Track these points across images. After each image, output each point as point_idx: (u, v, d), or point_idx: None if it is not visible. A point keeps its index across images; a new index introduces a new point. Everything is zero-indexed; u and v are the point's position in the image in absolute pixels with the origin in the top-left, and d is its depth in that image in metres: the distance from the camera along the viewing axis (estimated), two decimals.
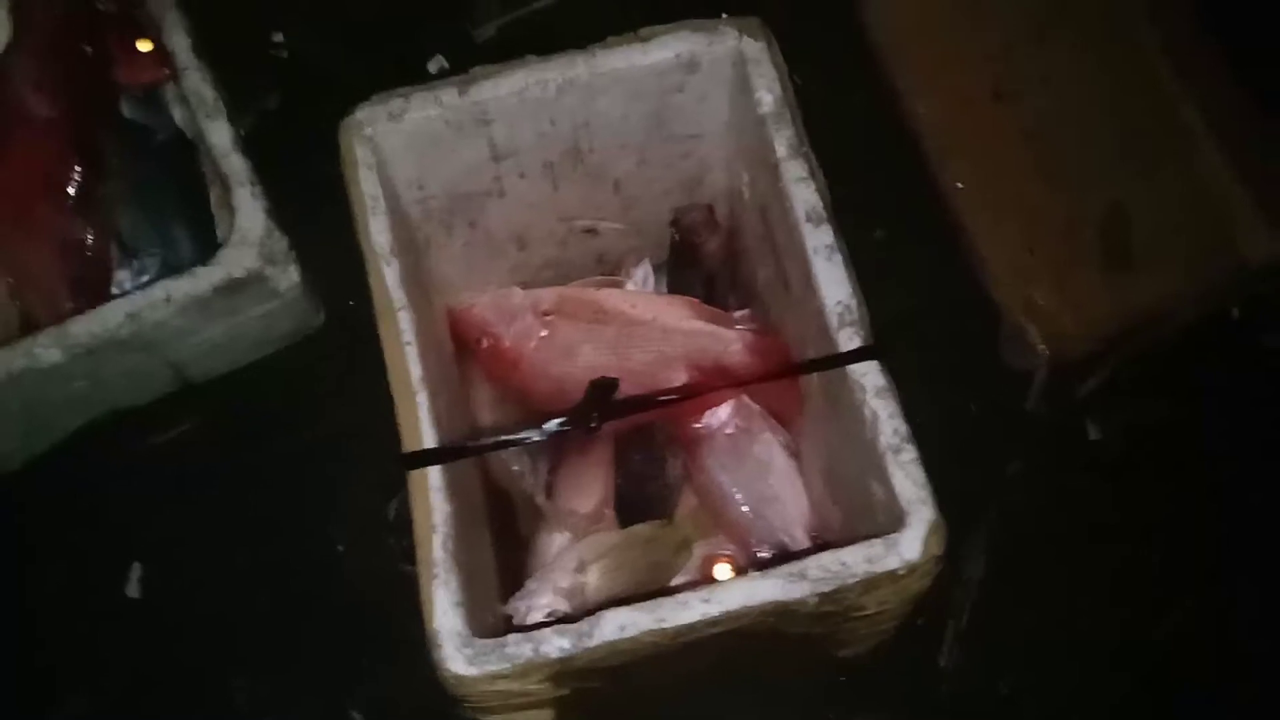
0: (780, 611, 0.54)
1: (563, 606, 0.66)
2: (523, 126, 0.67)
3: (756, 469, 0.73)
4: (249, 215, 0.71)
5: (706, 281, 0.79)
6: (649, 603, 0.53)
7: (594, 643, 0.52)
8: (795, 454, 0.73)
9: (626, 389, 0.69)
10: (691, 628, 0.52)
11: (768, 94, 0.64)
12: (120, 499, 0.77)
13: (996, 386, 0.82)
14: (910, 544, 0.54)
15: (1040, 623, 0.77)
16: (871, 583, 0.54)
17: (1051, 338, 0.81)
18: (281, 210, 0.77)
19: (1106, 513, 0.80)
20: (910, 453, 0.56)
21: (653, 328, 0.74)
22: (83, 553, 0.76)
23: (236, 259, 0.70)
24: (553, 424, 0.58)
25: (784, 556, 0.70)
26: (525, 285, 0.77)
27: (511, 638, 0.52)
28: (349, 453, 0.79)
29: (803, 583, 0.53)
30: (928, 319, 0.83)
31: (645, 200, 0.76)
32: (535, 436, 0.58)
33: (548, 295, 0.76)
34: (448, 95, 0.64)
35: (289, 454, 0.79)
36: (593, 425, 0.59)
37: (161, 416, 0.79)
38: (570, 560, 0.69)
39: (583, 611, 0.61)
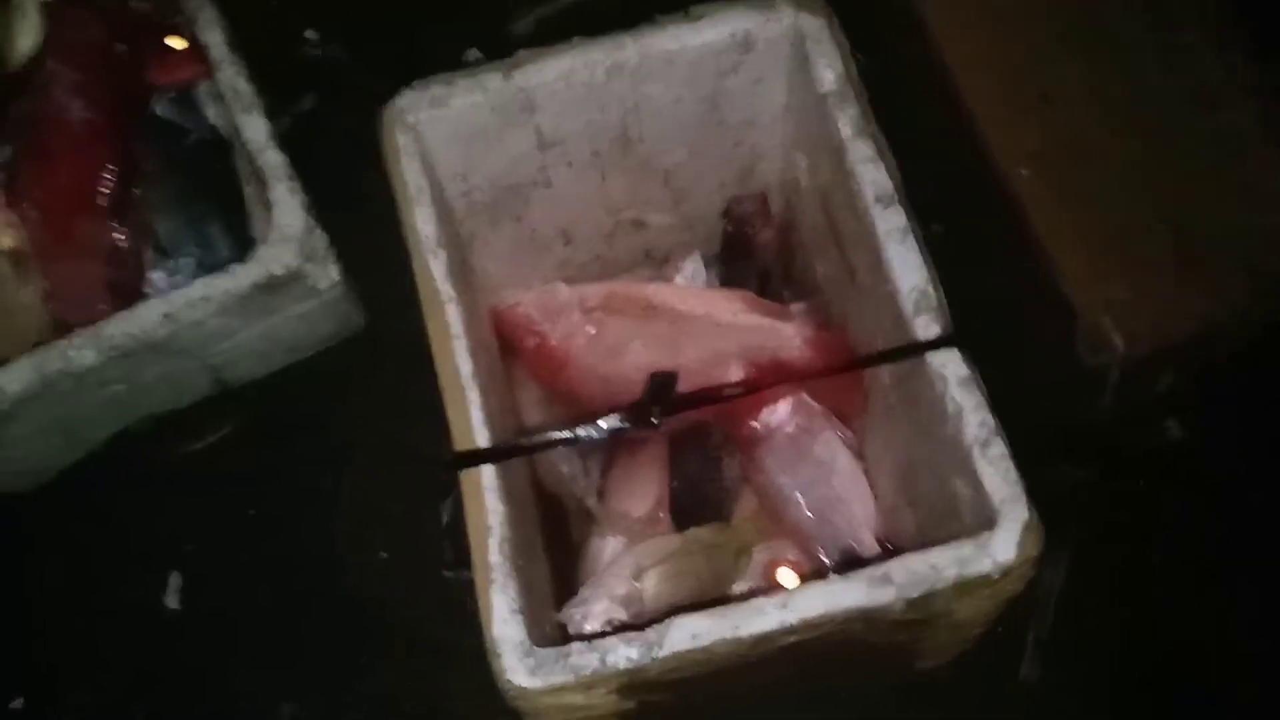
0: (864, 619, 0.50)
1: (620, 615, 0.63)
2: (570, 113, 0.64)
3: (819, 470, 0.69)
4: (288, 211, 0.68)
5: (760, 275, 0.76)
6: (722, 609, 0.49)
7: (664, 653, 0.49)
8: (859, 453, 0.70)
9: (680, 387, 0.66)
10: (768, 637, 0.49)
11: (829, 72, 0.61)
12: (159, 507, 0.74)
13: (1067, 385, 0.78)
14: (1004, 545, 0.50)
15: (1125, 631, 0.72)
16: (963, 587, 0.50)
17: (1128, 334, 0.77)
18: (319, 210, 0.74)
19: (1187, 515, 0.76)
20: (999, 447, 0.52)
21: (705, 323, 0.71)
22: (121, 561, 0.74)
23: (276, 256, 0.68)
24: (611, 420, 0.55)
25: (851, 561, 0.66)
26: (571, 281, 0.74)
27: (575, 647, 0.49)
28: (392, 457, 0.76)
29: (888, 587, 0.49)
30: (991, 316, 0.79)
31: (695, 191, 0.73)
32: (593, 433, 0.55)
33: (595, 291, 0.73)
34: (492, 80, 0.61)
35: (329, 460, 0.76)
36: (653, 421, 0.56)
37: (199, 422, 0.76)
38: (626, 566, 0.66)
39: (640, 620, 0.58)
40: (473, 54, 0.92)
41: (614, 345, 0.71)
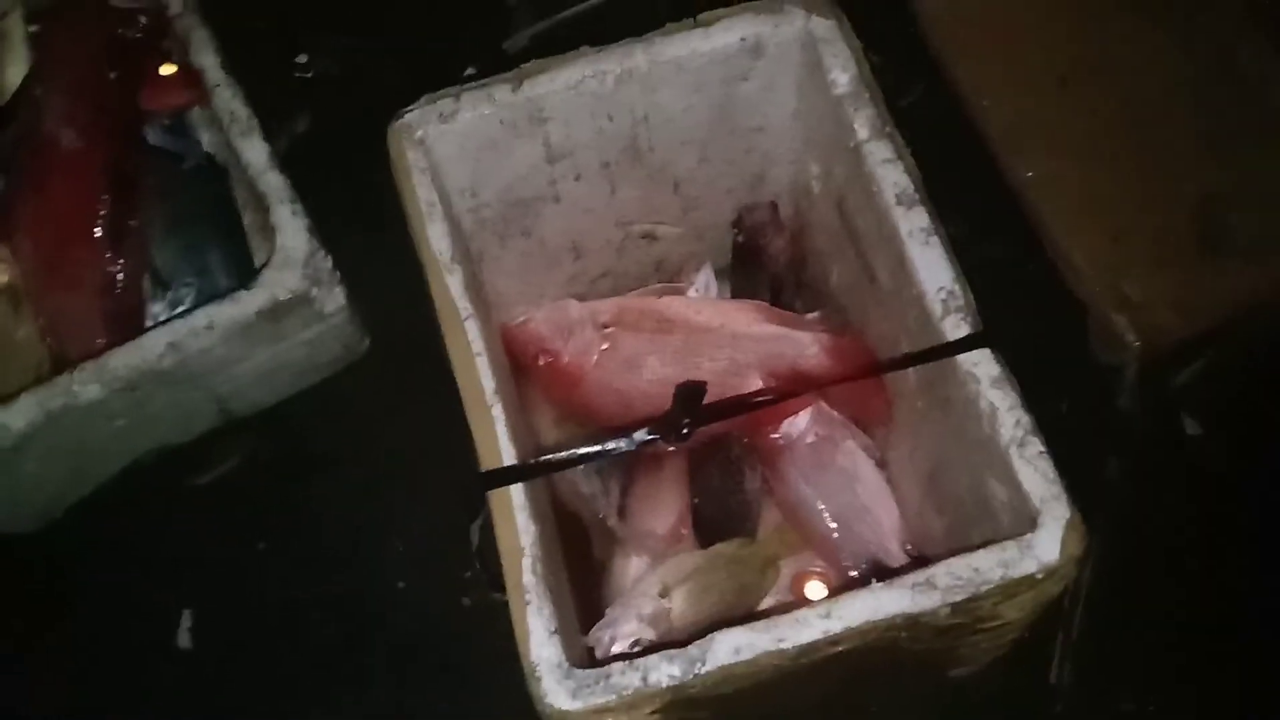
0: (908, 625, 0.49)
1: (648, 634, 0.62)
2: (579, 123, 0.63)
3: (842, 479, 0.68)
4: (292, 234, 0.67)
5: (772, 284, 0.75)
6: (763, 622, 0.48)
7: (707, 668, 0.47)
8: (881, 461, 0.69)
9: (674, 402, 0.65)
10: (813, 647, 0.47)
11: (843, 74, 0.60)
12: (169, 542, 0.73)
13: (1086, 383, 0.77)
14: (1047, 545, 0.49)
15: (1155, 635, 0.71)
16: (1007, 589, 0.49)
17: (1143, 330, 0.76)
18: (318, 233, 0.73)
19: (1212, 513, 0.75)
20: (1036, 445, 0.51)
21: (721, 334, 0.70)
22: (132, 600, 0.72)
23: (281, 280, 0.66)
24: (640, 434, 0.54)
25: (879, 571, 0.65)
26: (581, 297, 0.73)
27: (616, 666, 0.47)
28: (406, 483, 0.74)
29: (932, 592, 0.48)
30: (1009, 315, 0.78)
31: (706, 201, 0.72)
32: (623, 447, 0.53)
33: (606, 306, 0.72)
34: (501, 92, 0.61)
35: (341, 488, 0.75)
36: (683, 433, 0.54)
37: (208, 454, 0.75)
38: (651, 585, 0.65)
39: (669, 639, 0.56)
40: (470, 73, 0.91)
41: (629, 360, 0.69)
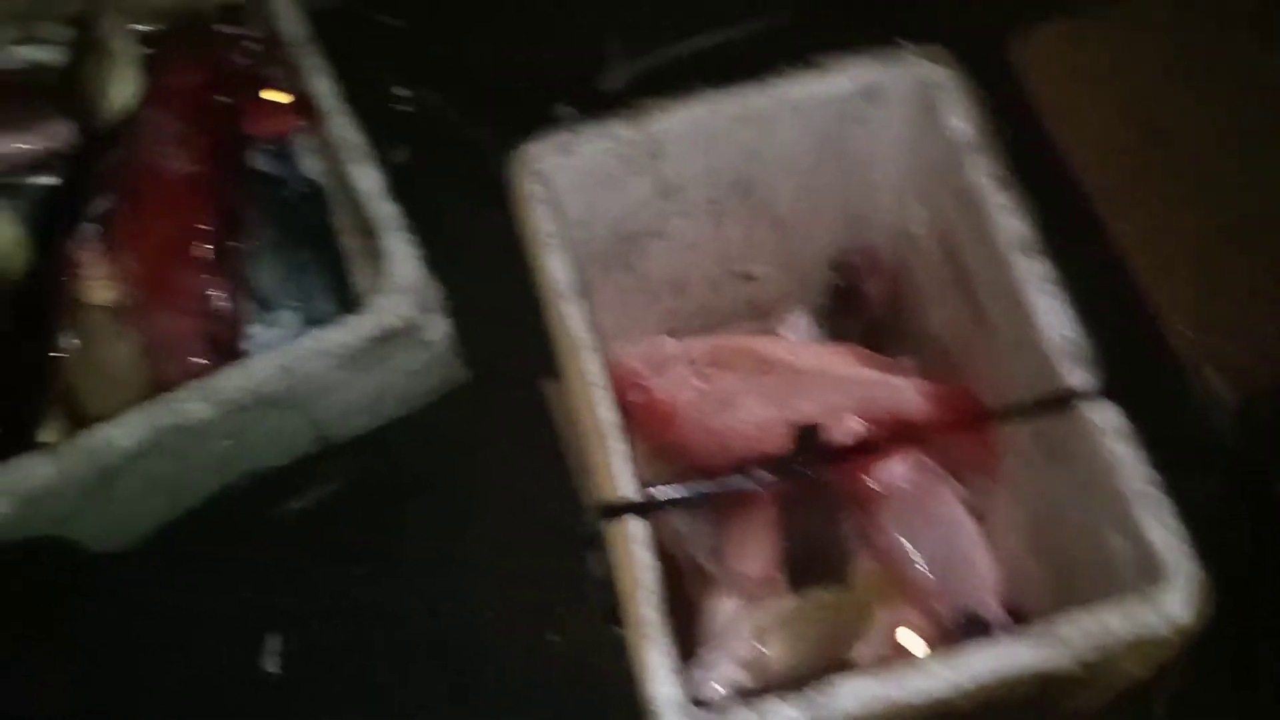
0: (1036, 681, 0.48)
1: (743, 679, 0.61)
2: (693, 161, 0.64)
3: (939, 529, 0.67)
4: (403, 262, 0.68)
5: (867, 328, 0.75)
6: (887, 671, 0.47)
7: (828, 714, 0.46)
8: (978, 509, 0.68)
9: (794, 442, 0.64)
10: (939, 700, 0.47)
11: (962, 121, 0.60)
12: (259, 566, 0.72)
13: (1185, 431, 0.76)
14: (1176, 601, 0.48)
15: (1254, 684, 0.69)
16: (1136, 646, 0.48)
17: (1239, 378, 0.75)
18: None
19: None
20: (1162, 500, 0.51)
21: (818, 377, 0.70)
22: (219, 624, 0.72)
23: (391, 307, 0.67)
24: (762, 473, 0.53)
25: (976, 625, 0.64)
26: (675, 334, 0.73)
27: (734, 707, 0.47)
28: (497, 513, 0.74)
29: (1062, 648, 0.47)
30: (1104, 361, 0.77)
31: (805, 241, 0.72)
32: (748, 485, 0.53)
33: (702, 345, 0.72)
34: (620, 128, 0.61)
35: (434, 517, 0.75)
36: (805, 474, 0.54)
37: (301, 479, 0.75)
38: (746, 628, 0.64)
39: (765, 684, 0.56)
40: (564, 110, 0.92)
41: (724, 399, 0.69)
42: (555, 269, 0.57)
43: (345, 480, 0.76)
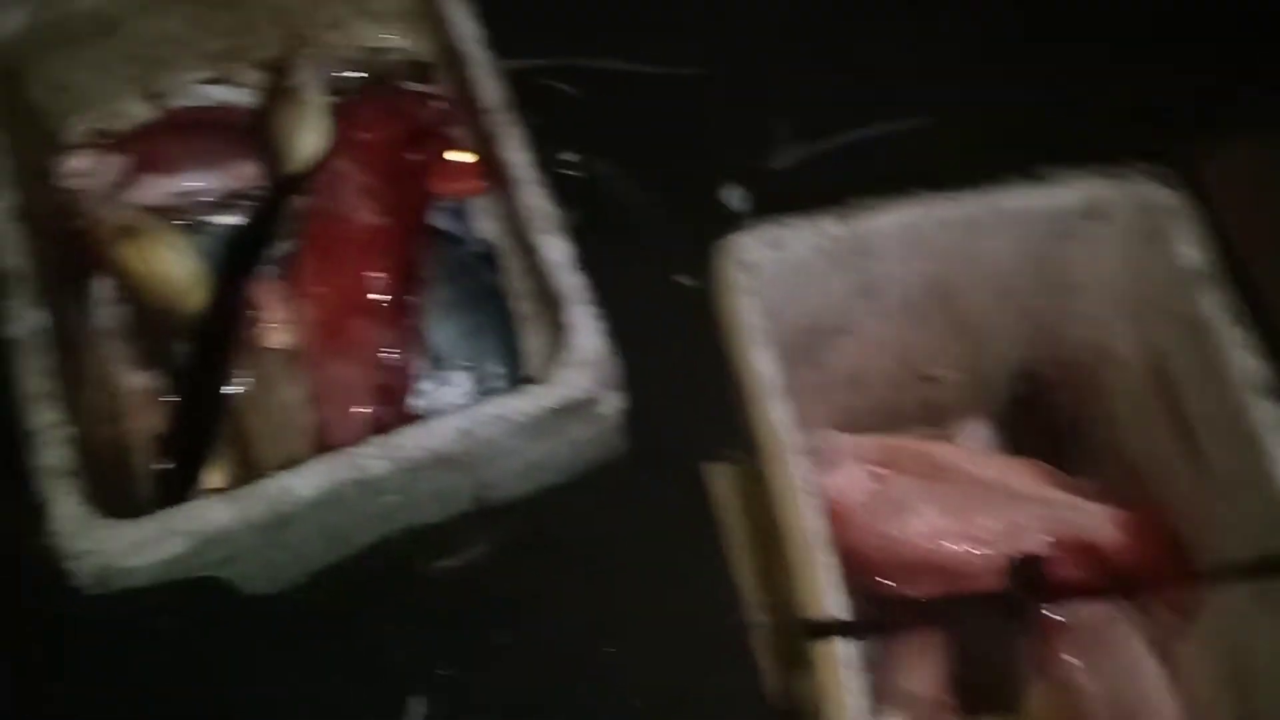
0: None
1: None
2: (898, 262, 0.62)
3: (1122, 668, 0.64)
4: (588, 335, 0.67)
5: (1052, 444, 0.72)
6: None
7: None
8: (1166, 649, 0.64)
9: (974, 560, 0.62)
10: None
11: (1192, 249, 0.58)
12: (407, 624, 0.72)
13: None
14: None
15: None
16: None
17: None
18: None
19: None
20: None
21: (999, 491, 0.68)
22: (363, 680, 0.71)
23: (574, 379, 0.66)
24: (977, 606, 0.51)
25: None
26: (849, 431, 0.71)
27: None
28: (647, 594, 0.72)
29: None
30: None
31: (994, 346, 0.70)
32: (962, 620, 0.51)
33: (875, 444, 0.70)
34: (831, 225, 0.60)
35: (583, 588, 0.73)
36: (1027, 610, 0.52)
37: (455, 538, 0.74)
38: None
39: None
40: (733, 192, 0.92)
41: (897, 504, 0.67)
42: (761, 365, 0.56)
43: (497, 543, 0.76)
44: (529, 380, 0.77)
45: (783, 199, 0.90)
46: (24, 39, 0.76)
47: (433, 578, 0.74)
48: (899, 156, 0.91)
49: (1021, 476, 0.69)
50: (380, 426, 0.75)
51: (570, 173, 0.94)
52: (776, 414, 0.55)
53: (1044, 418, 0.71)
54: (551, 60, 0.95)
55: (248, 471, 0.75)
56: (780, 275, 0.61)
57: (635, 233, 0.89)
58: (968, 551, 0.64)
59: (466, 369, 0.76)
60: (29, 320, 0.67)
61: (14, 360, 0.67)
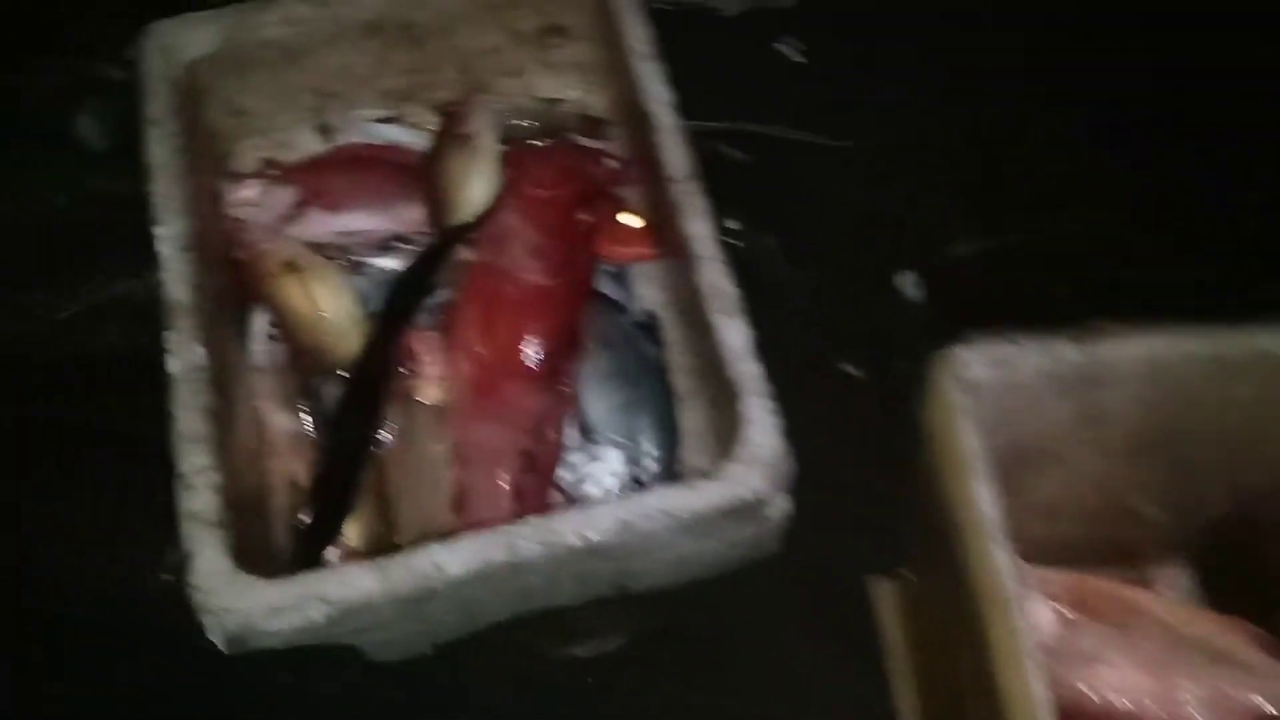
0: None
1: None
2: (1131, 396, 0.57)
3: None
4: (764, 430, 0.63)
5: (1260, 602, 0.65)
6: None
7: None
8: None
9: None
10: None
11: None
12: (539, 707, 0.67)
13: None
14: None
15: None
16: None
17: None
18: None
19: None
20: None
21: (1203, 653, 0.61)
22: None
23: (747, 478, 0.61)
24: None
25: None
26: (1035, 563, 0.65)
27: None
28: (795, 703, 0.67)
29: None
30: None
31: (1207, 488, 0.64)
32: None
33: (1067, 581, 0.64)
34: (1065, 350, 0.55)
35: (723, 698, 0.68)
36: None
37: (589, 623, 0.70)
38: None
39: None
40: (907, 277, 0.87)
41: (1088, 654, 0.61)
42: (983, 502, 0.51)
43: (632, 633, 0.71)
44: (684, 466, 0.73)
45: (961, 291, 0.87)
46: (213, 59, 0.75)
47: (563, 662, 0.70)
48: (1090, 255, 0.86)
49: (1226, 636, 0.62)
50: (522, 496, 0.72)
51: (730, 241, 0.90)
52: (1002, 561, 0.49)
53: (1255, 571, 0.64)
54: (723, 124, 0.92)
55: (385, 526, 0.72)
56: (999, 396, 0.55)
57: (797, 314, 0.84)
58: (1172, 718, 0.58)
59: (619, 445, 0.72)
60: (189, 356, 0.65)
61: (170, 393, 0.65)
